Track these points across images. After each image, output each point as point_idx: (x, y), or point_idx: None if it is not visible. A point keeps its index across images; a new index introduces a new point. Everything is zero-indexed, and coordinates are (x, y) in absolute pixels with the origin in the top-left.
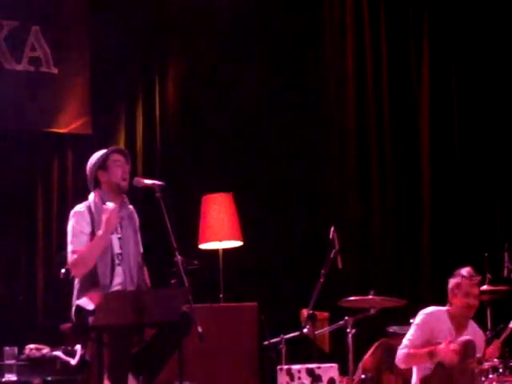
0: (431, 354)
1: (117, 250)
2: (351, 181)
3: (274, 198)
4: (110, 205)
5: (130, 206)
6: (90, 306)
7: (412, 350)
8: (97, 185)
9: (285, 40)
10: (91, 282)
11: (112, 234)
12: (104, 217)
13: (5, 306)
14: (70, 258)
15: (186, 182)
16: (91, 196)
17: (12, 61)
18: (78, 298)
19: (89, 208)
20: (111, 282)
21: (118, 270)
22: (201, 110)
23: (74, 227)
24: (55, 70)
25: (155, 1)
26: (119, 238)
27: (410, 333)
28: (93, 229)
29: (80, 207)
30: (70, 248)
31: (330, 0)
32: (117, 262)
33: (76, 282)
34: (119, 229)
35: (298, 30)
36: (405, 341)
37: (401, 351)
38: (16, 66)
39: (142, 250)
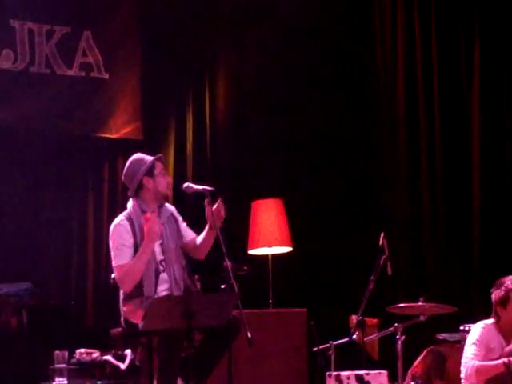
0: (508, 365)
1: (160, 257)
2: (402, 188)
3: (324, 203)
4: (148, 215)
5: (169, 207)
6: (138, 320)
7: (483, 363)
8: (139, 190)
9: (336, 45)
10: (136, 291)
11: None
12: (145, 227)
13: (56, 310)
14: (116, 272)
15: (236, 187)
16: (129, 205)
17: (63, 66)
18: (123, 306)
19: (129, 219)
20: (155, 290)
21: (163, 276)
22: (251, 115)
23: (116, 241)
24: (106, 76)
25: (206, 5)
26: (161, 244)
27: (472, 349)
28: (135, 240)
29: (121, 219)
30: (115, 263)
31: (381, 13)
32: (161, 268)
33: (122, 292)
34: (160, 235)
35: (349, 36)
36: (469, 356)
37: (470, 364)
38: (67, 72)
39: (195, 235)
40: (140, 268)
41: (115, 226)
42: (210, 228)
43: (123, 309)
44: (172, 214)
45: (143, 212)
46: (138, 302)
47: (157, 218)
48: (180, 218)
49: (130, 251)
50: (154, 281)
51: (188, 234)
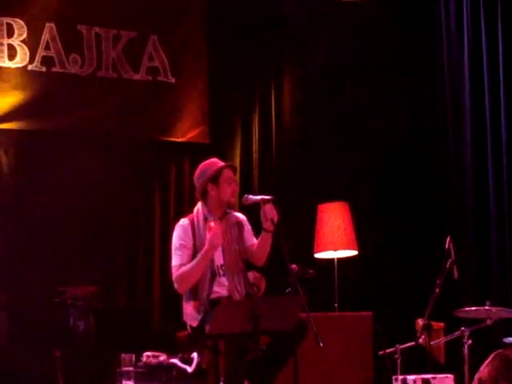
0: None
1: (219, 261)
2: (468, 191)
3: (390, 207)
4: (212, 224)
5: (237, 215)
6: (194, 323)
7: None
8: (204, 195)
9: (402, 49)
10: (191, 294)
11: None
12: (208, 235)
13: (122, 313)
14: (174, 272)
15: (302, 190)
16: (196, 209)
17: (130, 70)
18: (184, 312)
19: (192, 222)
20: (209, 294)
21: (222, 280)
22: (316, 119)
23: (176, 241)
24: (173, 80)
25: (273, 11)
26: (222, 251)
27: None
28: (194, 242)
29: (183, 221)
30: (173, 262)
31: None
32: (220, 272)
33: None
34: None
35: (414, 35)
36: None
37: None
38: (134, 76)
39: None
40: (196, 273)
41: (177, 226)
42: (264, 231)
43: (183, 310)
44: (239, 222)
45: (207, 218)
46: (193, 305)
47: (220, 229)
48: (247, 227)
49: (188, 253)
50: (209, 284)
51: (249, 239)
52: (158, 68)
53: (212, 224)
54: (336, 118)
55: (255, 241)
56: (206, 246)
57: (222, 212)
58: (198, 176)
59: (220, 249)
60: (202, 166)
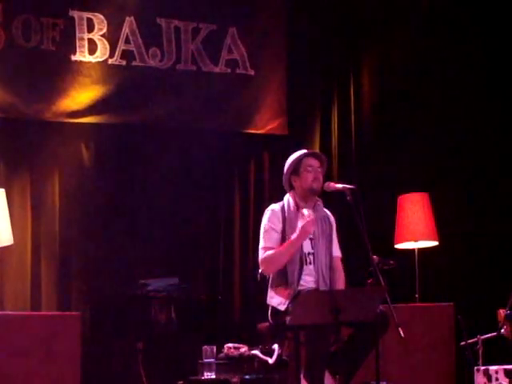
0: None
1: (308, 249)
2: None
3: (470, 197)
4: (306, 212)
5: (326, 210)
6: (282, 307)
7: None
8: (292, 188)
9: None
10: (281, 279)
11: None
12: (300, 223)
13: (203, 305)
14: (261, 253)
15: (382, 181)
16: (286, 197)
17: (209, 63)
18: (270, 297)
19: (283, 208)
20: (299, 280)
21: (310, 268)
22: (396, 109)
23: (266, 224)
24: (252, 72)
25: (351, 3)
26: (311, 239)
27: None
28: (284, 227)
29: (274, 206)
30: (261, 244)
31: None
32: (308, 260)
33: (269, 281)
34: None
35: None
36: None
37: None
38: (213, 68)
39: (339, 255)
40: (284, 259)
41: (268, 210)
42: None
43: (269, 301)
44: (329, 218)
45: (298, 206)
46: (282, 290)
47: (313, 219)
48: (335, 235)
49: (277, 236)
50: (298, 269)
51: (335, 250)
52: (237, 60)
53: (305, 212)
54: (417, 106)
55: (338, 253)
56: (297, 232)
57: (311, 202)
58: (284, 171)
59: (308, 237)
60: (288, 160)
